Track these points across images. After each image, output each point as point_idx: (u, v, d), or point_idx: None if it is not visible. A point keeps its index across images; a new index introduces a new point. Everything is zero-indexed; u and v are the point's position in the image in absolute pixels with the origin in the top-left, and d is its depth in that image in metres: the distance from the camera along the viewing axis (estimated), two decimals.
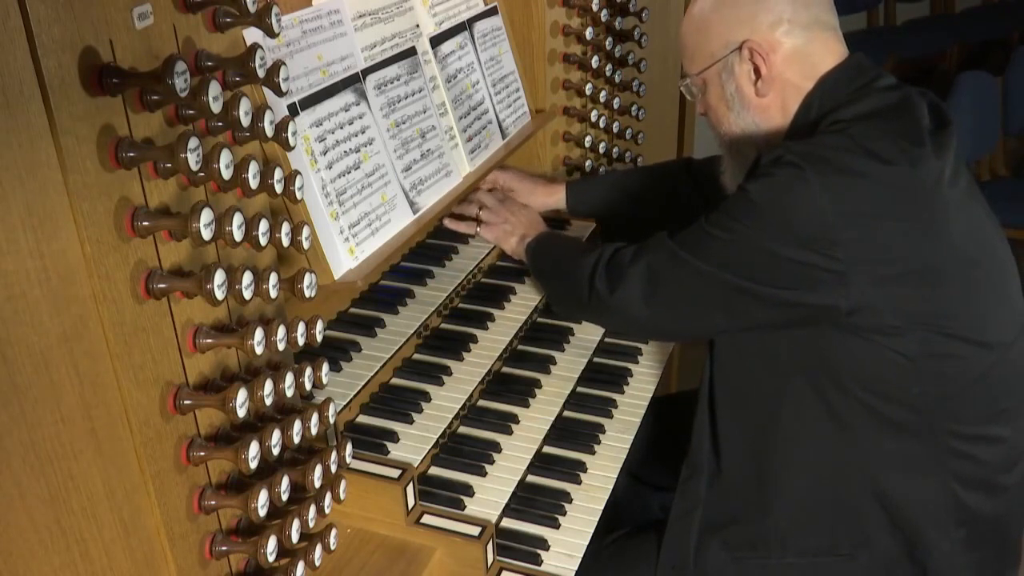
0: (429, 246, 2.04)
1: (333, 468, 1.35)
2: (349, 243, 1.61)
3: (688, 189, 2.14)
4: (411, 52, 1.88)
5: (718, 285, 1.53)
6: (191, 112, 1.09)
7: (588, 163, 2.41)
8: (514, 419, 1.77)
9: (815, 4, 1.60)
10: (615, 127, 2.52)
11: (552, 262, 1.91)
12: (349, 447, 1.41)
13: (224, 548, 1.22)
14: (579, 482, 1.72)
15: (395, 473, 1.51)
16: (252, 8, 1.12)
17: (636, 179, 2.25)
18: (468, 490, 1.60)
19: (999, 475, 1.62)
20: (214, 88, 1.05)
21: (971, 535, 1.61)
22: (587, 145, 2.40)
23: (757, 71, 1.60)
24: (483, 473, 1.64)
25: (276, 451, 1.20)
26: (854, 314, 1.47)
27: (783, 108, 1.62)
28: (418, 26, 2.01)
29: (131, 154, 1.01)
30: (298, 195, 1.23)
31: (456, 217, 2.09)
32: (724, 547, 1.71)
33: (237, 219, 1.09)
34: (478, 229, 2.07)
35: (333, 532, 1.37)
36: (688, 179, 2.15)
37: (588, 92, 2.39)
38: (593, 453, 1.79)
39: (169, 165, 1.04)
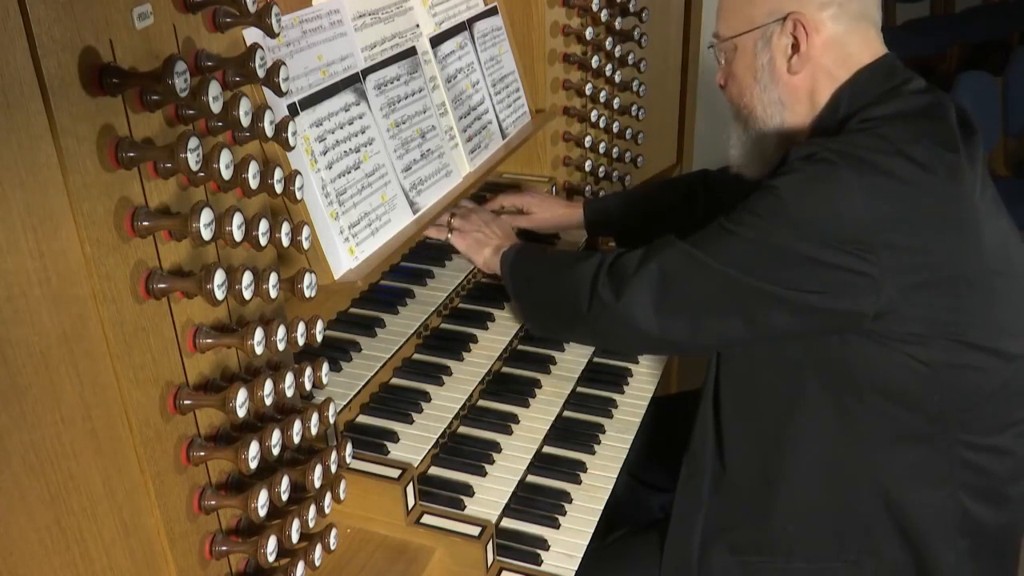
0: (429, 246, 2.04)
1: (333, 468, 1.35)
2: (349, 243, 1.61)
3: (706, 200, 2.09)
4: (411, 52, 1.87)
5: (738, 289, 1.45)
6: (191, 112, 1.09)
7: (588, 163, 2.41)
8: (514, 419, 1.77)
9: None
10: (615, 127, 2.52)
11: (539, 272, 1.78)
12: (349, 447, 1.41)
13: (224, 548, 1.22)
14: (579, 482, 1.72)
15: (395, 473, 1.51)
16: (252, 8, 1.12)
17: (653, 193, 2.21)
18: (468, 490, 1.60)
19: (1005, 486, 1.60)
20: (214, 88, 1.05)
21: (973, 546, 1.60)
22: (587, 145, 2.40)
23: (796, 46, 1.54)
24: (483, 473, 1.64)
25: (276, 451, 1.20)
26: (879, 320, 1.43)
27: (811, 93, 1.57)
28: (418, 26, 2.01)
29: (131, 154, 1.01)
30: (298, 195, 1.23)
31: (436, 226, 1.98)
32: (728, 550, 1.69)
33: (237, 219, 1.09)
34: (448, 235, 1.95)
35: (333, 532, 1.37)
36: (706, 190, 2.10)
37: (588, 92, 2.39)
38: (593, 453, 1.79)
39: (169, 165, 1.04)
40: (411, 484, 1.51)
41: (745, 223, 1.45)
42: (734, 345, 1.60)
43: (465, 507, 1.57)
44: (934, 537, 1.58)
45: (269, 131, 1.16)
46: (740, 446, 1.68)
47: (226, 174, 1.07)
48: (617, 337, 1.69)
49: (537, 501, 1.67)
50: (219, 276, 1.08)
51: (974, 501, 1.57)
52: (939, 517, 1.57)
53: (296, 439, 1.25)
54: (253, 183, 1.11)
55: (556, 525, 1.62)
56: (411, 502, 1.52)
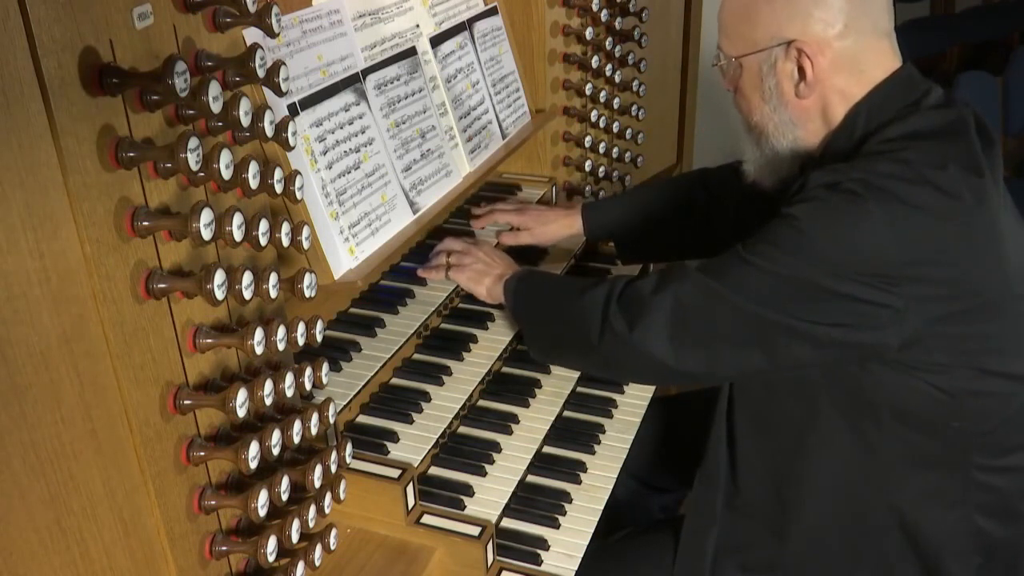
0: (429, 246, 2.03)
1: (333, 468, 1.35)
2: (349, 243, 1.61)
3: (704, 200, 2.05)
4: (411, 52, 1.87)
5: (757, 322, 1.40)
6: (191, 112, 1.09)
7: (588, 163, 2.41)
8: (514, 419, 1.77)
9: (876, 9, 1.51)
10: (615, 127, 2.52)
11: (545, 301, 1.73)
12: (349, 447, 1.41)
13: (224, 548, 1.22)
14: (579, 482, 1.72)
15: (395, 473, 1.51)
16: (252, 8, 1.12)
17: (652, 194, 2.16)
18: (468, 490, 1.60)
19: (1016, 501, 1.58)
20: (214, 88, 1.05)
21: (986, 563, 1.59)
22: (587, 145, 2.40)
23: (801, 72, 1.49)
24: (483, 473, 1.64)
25: (276, 451, 1.20)
26: (903, 351, 1.40)
27: (824, 112, 1.53)
28: (418, 26, 2.01)
29: (131, 154, 1.01)
30: (298, 195, 1.23)
31: (433, 267, 1.91)
32: (740, 569, 1.68)
33: (237, 219, 1.09)
34: (448, 273, 1.86)
35: (333, 532, 1.37)
36: (704, 190, 2.07)
37: (588, 92, 2.39)
38: (593, 453, 1.79)
39: (169, 165, 1.04)
40: (411, 484, 1.51)
41: (764, 254, 1.40)
42: (752, 376, 1.57)
43: (465, 507, 1.57)
44: (949, 556, 1.56)
45: (269, 131, 1.16)
46: (754, 467, 1.65)
47: (226, 174, 1.07)
48: (631, 368, 1.65)
49: (537, 501, 1.67)
50: (219, 276, 1.08)
51: (986, 520, 1.55)
52: (954, 537, 1.55)
53: (296, 439, 1.25)
54: (253, 183, 1.11)
55: (556, 525, 1.62)
56: (411, 502, 1.52)
